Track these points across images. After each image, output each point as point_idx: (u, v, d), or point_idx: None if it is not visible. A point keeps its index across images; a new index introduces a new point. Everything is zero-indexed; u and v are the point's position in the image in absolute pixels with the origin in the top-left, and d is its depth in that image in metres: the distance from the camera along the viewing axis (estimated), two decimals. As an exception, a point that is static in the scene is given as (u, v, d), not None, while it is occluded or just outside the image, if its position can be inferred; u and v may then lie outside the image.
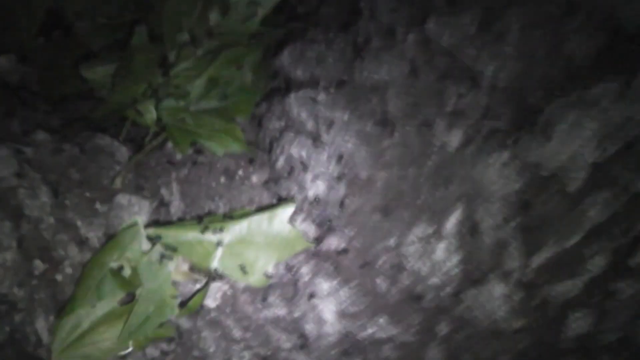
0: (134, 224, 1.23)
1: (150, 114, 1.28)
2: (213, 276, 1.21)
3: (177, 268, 1.22)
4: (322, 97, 1.27)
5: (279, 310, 1.26)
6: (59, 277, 1.23)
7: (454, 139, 1.21)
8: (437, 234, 1.20)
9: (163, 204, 1.27)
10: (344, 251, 1.25)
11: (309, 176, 1.26)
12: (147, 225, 1.25)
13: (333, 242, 1.25)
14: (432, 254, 1.21)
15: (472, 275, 1.21)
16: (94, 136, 1.30)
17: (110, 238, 1.24)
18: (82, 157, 1.30)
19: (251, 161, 1.31)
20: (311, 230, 1.25)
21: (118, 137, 1.32)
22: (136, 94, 1.28)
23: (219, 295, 1.24)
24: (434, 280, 1.24)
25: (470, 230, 1.17)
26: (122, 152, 1.31)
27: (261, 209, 1.24)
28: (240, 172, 1.30)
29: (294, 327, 1.24)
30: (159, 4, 1.28)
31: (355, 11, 1.28)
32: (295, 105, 1.28)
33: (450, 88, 1.20)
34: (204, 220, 1.23)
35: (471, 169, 1.16)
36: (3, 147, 1.22)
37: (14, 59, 1.44)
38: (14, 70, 1.43)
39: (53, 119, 1.33)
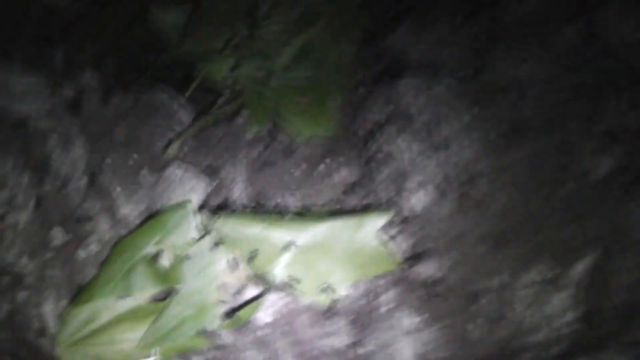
0: (186, 204, 0.98)
1: (225, 72, 1.03)
2: (273, 285, 0.96)
3: (229, 267, 0.97)
4: (440, 89, 1.03)
5: (343, 340, 1.00)
6: (80, 255, 0.98)
7: (601, 166, 0.97)
8: (557, 281, 0.99)
9: (225, 186, 1.02)
10: (438, 282, 1.00)
11: (410, 183, 1.01)
12: (201, 209, 0.99)
13: (427, 269, 1.00)
14: (545, 305, 0.99)
15: (588, 339, 0.98)
16: (153, 88, 1.06)
17: (153, 216, 0.98)
18: (135, 111, 1.05)
19: (340, 154, 1.06)
20: (402, 249, 1.00)
21: (183, 95, 1.07)
22: (212, 46, 1.04)
23: (275, 309, 0.98)
24: (539, 337, 1.00)
25: (598, 283, 0.97)
26: (185, 113, 1.06)
27: (345, 212, 0.99)
28: (324, 165, 1.05)
29: (359, 365, 0.99)
30: None
31: None
32: (406, 93, 1.04)
33: (609, 100, 0.96)
34: (273, 214, 0.98)
35: (615, 207, 0.97)
36: (37, 75, 0.97)
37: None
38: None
39: (107, 60, 1.08)
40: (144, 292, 0.97)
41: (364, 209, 1.03)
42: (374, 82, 1.10)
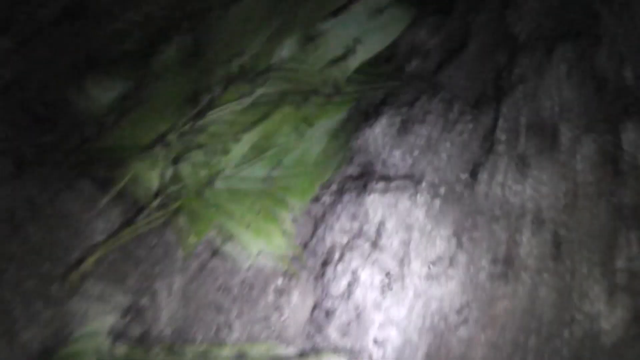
0: (94, 335, 0.79)
1: (160, 171, 0.84)
2: None
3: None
4: (422, 201, 0.83)
5: None
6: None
7: (612, 317, 0.75)
8: None
9: (148, 311, 0.83)
10: None
11: (378, 316, 0.81)
12: (118, 338, 0.80)
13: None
14: None
15: None
16: (73, 183, 0.87)
17: (58, 347, 0.79)
18: (48, 211, 0.86)
19: (294, 273, 0.86)
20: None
21: (107, 192, 0.88)
22: (149, 137, 0.84)
23: None
24: None
25: None
26: (107, 219, 0.87)
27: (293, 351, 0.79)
28: (276, 285, 0.86)
29: None
30: (216, 12, 0.84)
31: (499, 87, 0.83)
32: (380, 205, 0.84)
33: (629, 233, 0.75)
34: (206, 349, 0.79)
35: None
36: None
37: (10, 43, 1.00)
38: (7, 59, 0.99)
39: (28, 136, 0.89)
40: None
41: (320, 349, 0.83)
42: (343, 186, 0.90)
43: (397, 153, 0.88)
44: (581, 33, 0.79)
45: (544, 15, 0.83)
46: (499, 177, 0.84)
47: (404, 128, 0.89)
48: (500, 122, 0.82)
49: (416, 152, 0.88)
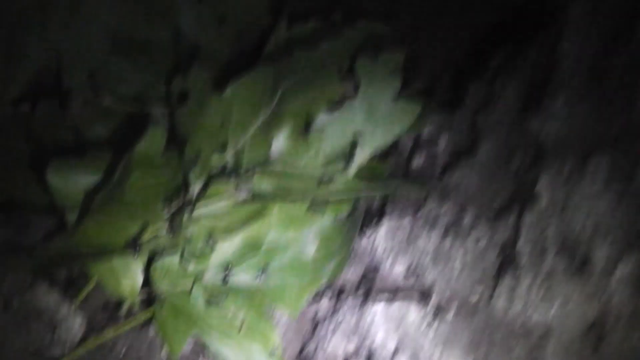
0: None
1: (132, 275, 0.74)
2: None
3: None
4: (431, 316, 0.71)
5: None
6: None
7: None
8: None
9: None
10: None
11: None
12: None
13: None
14: None
15: None
16: (33, 288, 0.76)
17: None
18: (8, 316, 0.75)
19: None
20: None
21: (72, 299, 0.77)
22: (119, 237, 0.74)
23: None
24: None
25: None
26: (76, 322, 0.76)
27: None
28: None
29: None
30: (196, 99, 0.75)
31: (519, 195, 0.73)
32: (384, 319, 0.73)
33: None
34: None
35: None
36: None
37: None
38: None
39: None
40: None
41: None
42: (340, 296, 0.79)
43: (403, 260, 0.77)
44: (618, 144, 0.68)
45: (576, 121, 0.72)
46: (521, 292, 0.72)
47: (412, 232, 0.78)
48: (523, 235, 0.71)
49: (426, 260, 0.76)
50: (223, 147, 0.76)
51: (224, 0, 0.89)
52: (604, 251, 0.67)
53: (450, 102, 0.84)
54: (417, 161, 0.81)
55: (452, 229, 0.75)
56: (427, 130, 0.82)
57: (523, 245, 0.70)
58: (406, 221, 0.78)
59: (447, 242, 0.75)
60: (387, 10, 1.01)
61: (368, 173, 0.77)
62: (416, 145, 0.82)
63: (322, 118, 0.76)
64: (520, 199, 0.72)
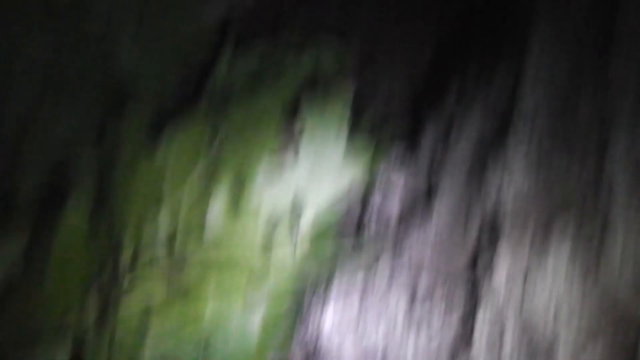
0: None
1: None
2: None
3: None
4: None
5: None
6: None
7: None
8: None
9: None
10: None
11: None
12: None
13: None
14: None
15: None
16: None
17: None
18: None
19: None
20: None
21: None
22: (43, 321, 0.66)
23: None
24: None
25: None
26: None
27: None
28: None
29: None
30: (124, 163, 0.66)
31: (475, 266, 0.67)
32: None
33: None
34: None
35: None
36: None
37: None
38: None
39: None
40: None
41: None
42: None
43: (351, 339, 0.71)
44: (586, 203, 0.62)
45: (538, 180, 0.65)
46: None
47: (361, 310, 0.71)
48: (480, 313, 0.65)
49: (377, 340, 0.70)
50: (154, 215, 0.67)
51: (164, 30, 0.80)
52: (569, 337, 0.61)
53: (407, 137, 0.77)
54: (367, 225, 0.74)
55: (405, 299, 0.68)
56: (377, 192, 0.74)
57: (480, 327, 0.64)
58: (356, 298, 0.70)
59: (400, 316, 0.69)
60: (343, 26, 0.93)
61: (317, 238, 0.69)
62: (365, 208, 0.75)
63: (261, 175, 0.68)
64: (477, 269, 0.65)
